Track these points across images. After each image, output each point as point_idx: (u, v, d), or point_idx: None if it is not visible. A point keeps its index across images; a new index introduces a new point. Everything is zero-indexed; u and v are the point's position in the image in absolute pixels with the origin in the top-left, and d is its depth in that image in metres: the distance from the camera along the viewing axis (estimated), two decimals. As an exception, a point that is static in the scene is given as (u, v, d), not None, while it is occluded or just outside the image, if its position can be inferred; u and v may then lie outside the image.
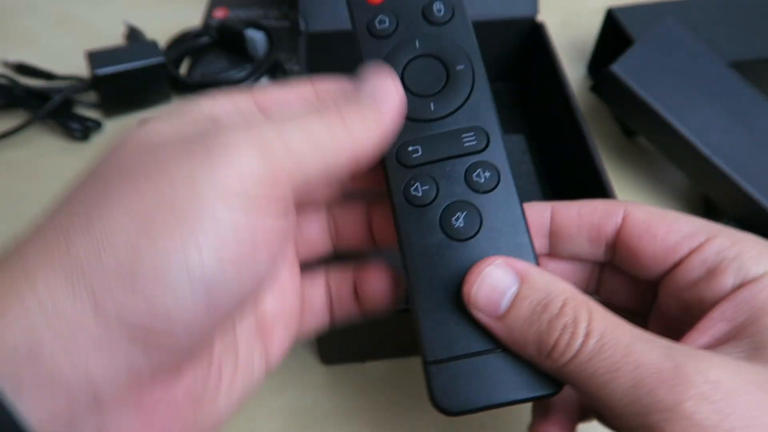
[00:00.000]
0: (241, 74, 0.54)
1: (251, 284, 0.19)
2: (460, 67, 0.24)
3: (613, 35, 0.51)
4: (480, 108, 0.23)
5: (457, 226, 0.22)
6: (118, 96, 0.52)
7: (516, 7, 0.49)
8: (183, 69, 0.57)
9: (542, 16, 0.51)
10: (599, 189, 0.40)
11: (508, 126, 0.53)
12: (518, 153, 0.45)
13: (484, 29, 0.50)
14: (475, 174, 0.23)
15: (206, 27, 0.58)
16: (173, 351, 0.18)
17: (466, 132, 0.23)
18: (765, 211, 0.40)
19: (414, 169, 0.23)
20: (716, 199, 0.44)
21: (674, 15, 0.47)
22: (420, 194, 0.23)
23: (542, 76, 0.49)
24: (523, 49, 0.52)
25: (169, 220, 0.17)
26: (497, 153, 0.23)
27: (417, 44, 0.24)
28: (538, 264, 0.22)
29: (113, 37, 0.58)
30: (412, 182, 0.23)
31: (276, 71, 0.57)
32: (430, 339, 0.22)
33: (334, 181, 0.26)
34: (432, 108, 0.23)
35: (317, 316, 0.27)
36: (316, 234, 0.27)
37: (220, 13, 0.62)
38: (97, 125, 0.52)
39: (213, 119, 0.20)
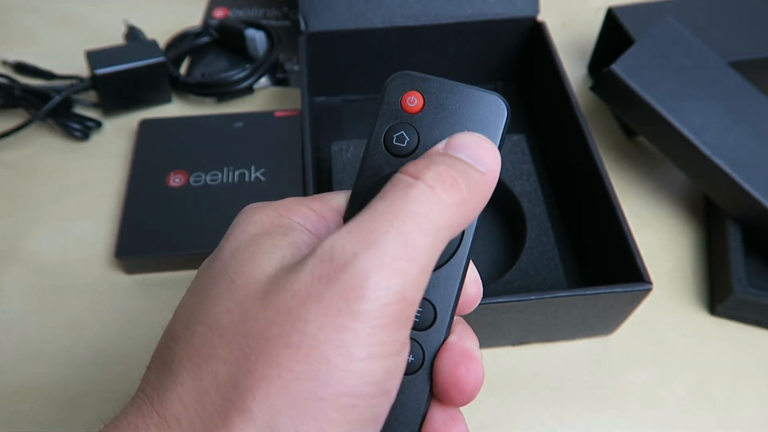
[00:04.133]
0: (241, 74, 0.54)
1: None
2: None
3: (614, 35, 0.51)
4: (445, 281, 0.21)
5: None
6: (117, 95, 0.52)
7: (516, 7, 0.49)
8: (183, 69, 0.57)
9: (542, 16, 0.51)
10: (599, 189, 0.40)
11: (508, 126, 0.52)
12: (518, 153, 0.45)
13: (485, 29, 0.50)
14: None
15: (206, 27, 0.58)
16: None
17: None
18: (765, 211, 0.40)
19: None
20: (716, 199, 0.44)
21: (674, 15, 0.47)
22: None
23: (542, 76, 0.49)
24: (524, 48, 0.52)
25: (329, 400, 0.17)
26: (436, 336, 0.21)
27: None
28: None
29: (113, 36, 0.58)
30: None
31: (276, 71, 0.57)
32: None
33: None
34: None
35: None
36: None
37: (220, 13, 0.62)
38: (96, 125, 0.52)
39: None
